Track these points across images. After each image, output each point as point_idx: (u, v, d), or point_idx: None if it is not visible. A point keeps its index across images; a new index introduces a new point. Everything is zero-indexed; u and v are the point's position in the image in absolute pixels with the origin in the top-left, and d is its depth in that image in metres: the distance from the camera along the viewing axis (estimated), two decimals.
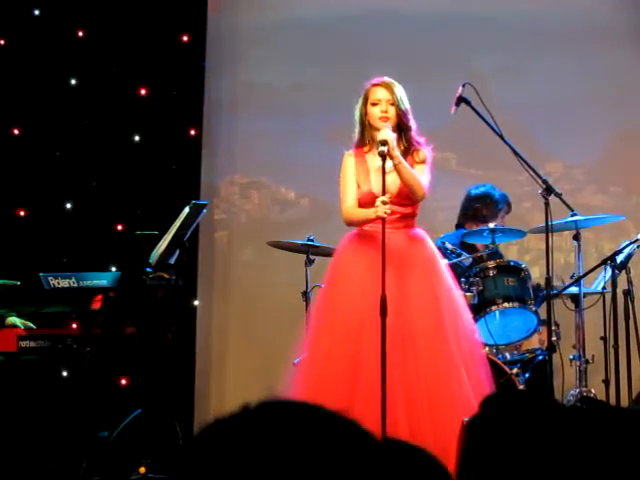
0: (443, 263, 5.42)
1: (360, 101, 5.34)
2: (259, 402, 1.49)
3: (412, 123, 5.32)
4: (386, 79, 5.34)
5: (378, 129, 5.22)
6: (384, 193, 5.06)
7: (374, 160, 5.27)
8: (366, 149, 5.36)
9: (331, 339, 5.16)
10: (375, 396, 4.85)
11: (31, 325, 5.83)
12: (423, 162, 5.31)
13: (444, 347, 5.12)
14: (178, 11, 7.60)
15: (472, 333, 5.35)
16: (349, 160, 5.37)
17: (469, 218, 6.68)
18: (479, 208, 6.62)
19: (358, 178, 5.33)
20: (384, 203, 5.04)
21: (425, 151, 5.32)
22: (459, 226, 6.74)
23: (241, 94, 7.83)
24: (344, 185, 5.36)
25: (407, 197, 5.27)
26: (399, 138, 5.26)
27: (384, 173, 5.06)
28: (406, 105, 5.30)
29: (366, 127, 5.33)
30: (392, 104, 5.27)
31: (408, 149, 5.29)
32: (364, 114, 5.32)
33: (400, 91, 5.30)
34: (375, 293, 4.96)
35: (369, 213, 5.17)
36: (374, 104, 5.28)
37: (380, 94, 5.28)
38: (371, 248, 5.16)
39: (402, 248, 5.21)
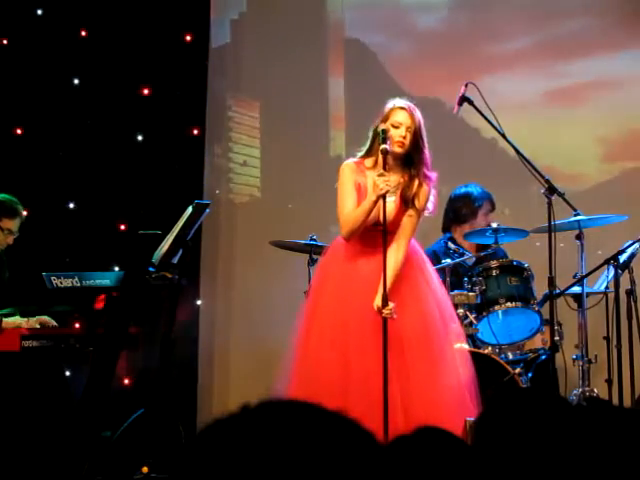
0: (426, 260, 5.36)
1: (378, 120, 5.15)
2: (259, 402, 1.49)
3: (426, 155, 5.18)
4: (409, 103, 5.19)
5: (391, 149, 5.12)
6: (384, 200, 5.00)
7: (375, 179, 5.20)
8: (369, 164, 5.22)
9: (320, 343, 5.11)
10: (369, 396, 4.85)
11: (43, 319, 5.78)
12: (420, 210, 5.19)
13: (434, 344, 5.10)
14: (181, 11, 7.60)
15: (453, 324, 5.32)
16: (349, 170, 5.23)
17: (451, 220, 6.62)
18: (459, 207, 6.57)
19: (357, 190, 5.19)
20: (381, 175, 4.95)
21: (427, 192, 5.19)
22: (445, 229, 6.69)
23: (244, 93, 7.82)
24: (344, 193, 5.19)
25: (399, 225, 5.20)
26: (407, 168, 5.17)
27: (385, 181, 5.03)
28: (423, 134, 5.16)
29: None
30: (410, 131, 5.14)
31: (412, 180, 5.18)
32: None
33: (419, 120, 5.16)
34: (361, 295, 5.00)
35: (367, 202, 5.05)
36: (395, 126, 5.12)
37: (402, 117, 5.12)
38: (357, 254, 5.14)
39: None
